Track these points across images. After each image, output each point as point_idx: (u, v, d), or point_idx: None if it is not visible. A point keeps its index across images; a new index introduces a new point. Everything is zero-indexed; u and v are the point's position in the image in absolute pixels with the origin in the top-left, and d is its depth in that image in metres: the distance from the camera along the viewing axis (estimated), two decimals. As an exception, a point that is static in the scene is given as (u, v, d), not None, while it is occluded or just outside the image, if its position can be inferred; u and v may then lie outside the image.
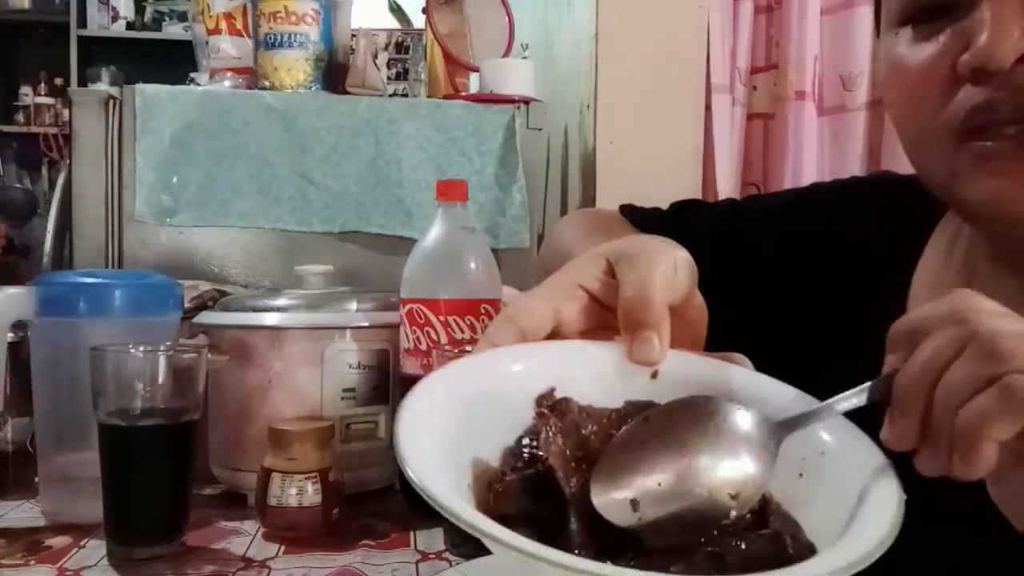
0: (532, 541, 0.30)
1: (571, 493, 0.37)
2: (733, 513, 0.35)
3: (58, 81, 3.74)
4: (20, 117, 3.73)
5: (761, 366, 0.43)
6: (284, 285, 1.19)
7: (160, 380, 0.69)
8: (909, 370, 0.35)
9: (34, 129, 3.65)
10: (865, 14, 1.38)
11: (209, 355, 0.75)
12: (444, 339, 0.79)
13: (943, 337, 0.35)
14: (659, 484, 0.36)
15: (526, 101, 1.34)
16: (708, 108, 1.44)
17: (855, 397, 0.37)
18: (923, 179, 0.53)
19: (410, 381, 0.80)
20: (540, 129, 1.36)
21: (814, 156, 1.42)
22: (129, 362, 0.69)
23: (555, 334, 0.44)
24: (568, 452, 0.38)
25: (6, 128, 3.69)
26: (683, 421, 0.38)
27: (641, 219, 0.77)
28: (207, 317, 0.89)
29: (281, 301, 0.86)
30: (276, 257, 1.28)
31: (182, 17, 3.57)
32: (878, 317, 0.52)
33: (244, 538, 0.74)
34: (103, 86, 3.03)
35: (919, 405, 0.35)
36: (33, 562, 0.68)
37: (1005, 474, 0.35)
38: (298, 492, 0.72)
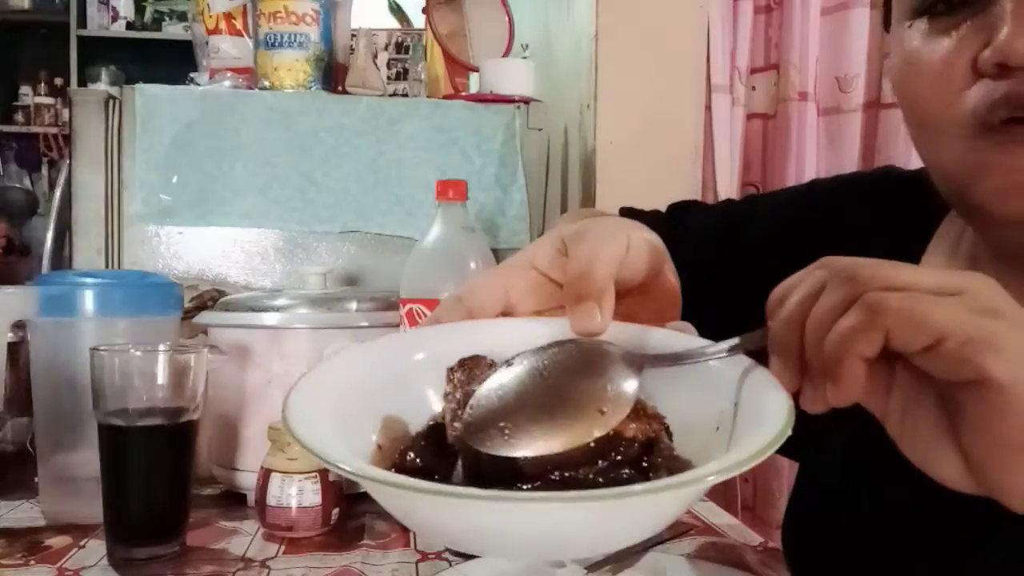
0: (389, 473, 0.32)
1: (453, 437, 0.38)
2: (600, 432, 0.35)
3: (58, 81, 3.74)
4: (20, 117, 3.73)
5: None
6: (284, 285, 1.19)
7: (160, 380, 0.69)
8: (781, 315, 0.37)
9: (34, 129, 3.65)
10: (861, 16, 1.38)
11: (209, 355, 0.75)
12: None
13: (807, 283, 0.36)
14: (528, 408, 0.37)
15: (526, 101, 1.34)
16: (708, 108, 1.44)
17: (727, 346, 0.39)
18: (932, 174, 0.53)
19: None
20: (540, 129, 1.36)
21: (814, 157, 1.42)
22: (129, 362, 0.69)
23: (507, 312, 0.44)
24: (460, 401, 0.39)
25: (6, 128, 3.69)
26: (550, 356, 0.39)
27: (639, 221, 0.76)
28: (207, 317, 0.89)
29: (281, 301, 0.86)
30: (276, 257, 1.28)
31: (182, 17, 3.57)
32: None
33: (244, 538, 0.74)
34: (103, 86, 3.03)
35: (793, 345, 0.36)
36: (33, 562, 0.68)
37: (904, 414, 0.36)
38: (298, 492, 0.72)
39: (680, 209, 0.78)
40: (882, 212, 0.63)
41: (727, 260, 0.68)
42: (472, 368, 0.41)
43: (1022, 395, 0.32)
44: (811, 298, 0.36)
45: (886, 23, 0.55)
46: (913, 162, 1.44)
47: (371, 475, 0.33)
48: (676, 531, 0.77)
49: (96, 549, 0.71)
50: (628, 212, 0.79)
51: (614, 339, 0.41)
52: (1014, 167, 0.45)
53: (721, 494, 1.45)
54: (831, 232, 0.64)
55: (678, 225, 0.72)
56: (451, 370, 0.41)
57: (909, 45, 0.50)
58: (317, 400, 0.39)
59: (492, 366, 0.41)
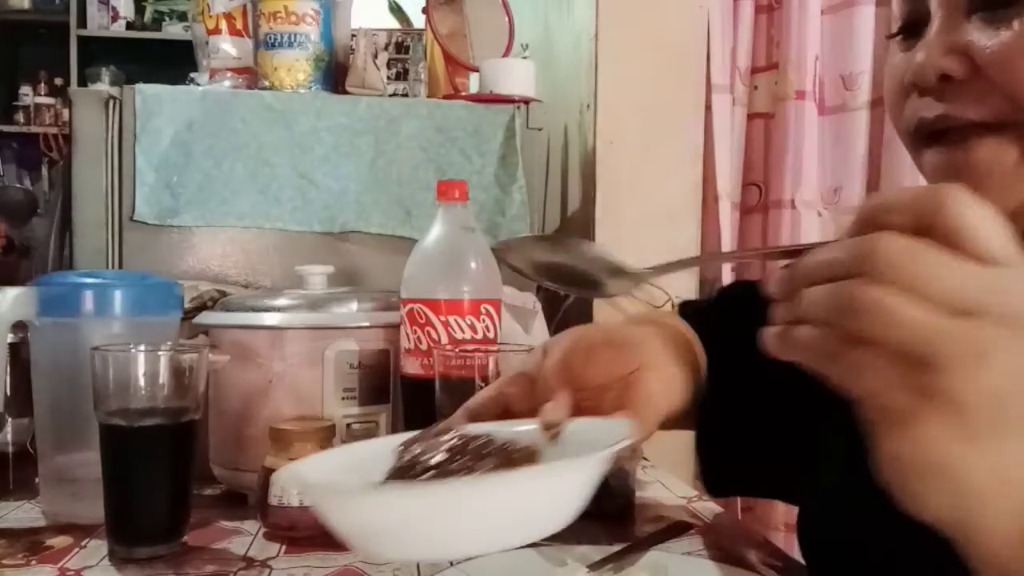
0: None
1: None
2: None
3: (58, 81, 3.74)
4: (20, 117, 3.73)
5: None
6: (284, 285, 1.19)
7: (160, 380, 0.69)
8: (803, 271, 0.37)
9: (34, 129, 3.65)
10: (866, 14, 1.38)
11: (209, 355, 0.75)
12: (444, 339, 0.79)
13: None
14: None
15: (526, 101, 1.34)
16: (708, 108, 1.44)
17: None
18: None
19: (411, 381, 0.81)
20: (540, 129, 1.36)
21: (815, 156, 1.42)
22: (130, 362, 0.69)
23: (507, 415, 0.53)
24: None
25: (6, 128, 3.69)
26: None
27: (688, 314, 0.74)
28: (207, 317, 0.89)
29: (281, 301, 0.86)
30: (276, 257, 1.28)
31: (182, 17, 3.57)
32: None
33: (245, 538, 0.74)
34: (103, 86, 3.03)
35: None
36: (34, 562, 0.68)
37: (879, 440, 0.35)
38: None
39: (728, 287, 0.80)
40: None
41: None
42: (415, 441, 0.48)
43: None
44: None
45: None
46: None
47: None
48: (677, 530, 0.77)
49: (97, 549, 0.71)
50: (686, 304, 0.79)
51: (572, 431, 0.50)
52: (943, 168, 0.51)
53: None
54: None
55: (726, 300, 0.76)
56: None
57: (889, 60, 0.56)
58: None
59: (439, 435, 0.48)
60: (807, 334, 0.35)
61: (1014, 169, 0.48)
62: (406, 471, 0.45)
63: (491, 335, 0.80)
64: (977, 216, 0.34)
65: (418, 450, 0.47)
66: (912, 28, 0.53)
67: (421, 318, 0.80)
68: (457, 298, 0.80)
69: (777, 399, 0.66)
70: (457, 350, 0.74)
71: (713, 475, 0.73)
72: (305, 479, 0.45)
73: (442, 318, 0.79)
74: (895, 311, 0.33)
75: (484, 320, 0.80)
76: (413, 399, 0.83)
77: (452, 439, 0.47)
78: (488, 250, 0.83)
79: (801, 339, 0.36)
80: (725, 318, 0.70)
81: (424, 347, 0.79)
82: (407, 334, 0.81)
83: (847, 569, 0.58)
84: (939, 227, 0.34)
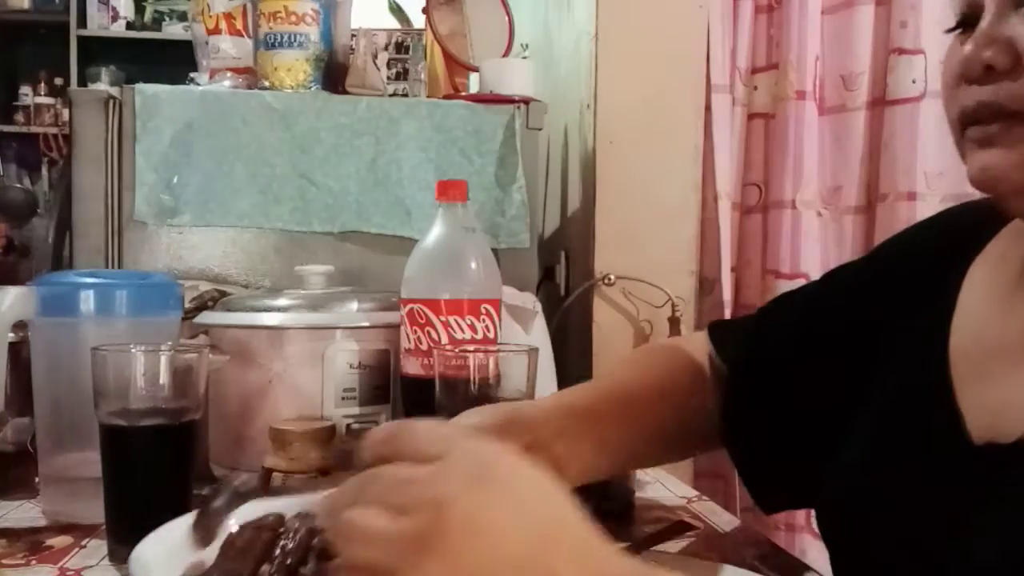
0: None
1: None
2: None
3: (58, 81, 3.74)
4: (20, 117, 3.73)
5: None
6: (284, 285, 1.19)
7: (161, 380, 0.69)
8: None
9: (34, 129, 3.65)
10: (866, 13, 1.38)
11: (210, 355, 0.75)
12: (445, 339, 0.79)
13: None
14: None
15: (526, 101, 1.34)
16: (708, 108, 1.44)
17: None
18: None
19: (411, 381, 0.81)
20: (540, 129, 1.36)
21: (815, 156, 1.42)
22: (130, 362, 0.69)
23: None
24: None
25: (6, 128, 3.69)
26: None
27: (724, 336, 0.75)
28: (208, 317, 0.89)
29: (281, 301, 0.86)
30: (276, 257, 1.28)
31: (182, 17, 3.57)
32: (924, 326, 0.60)
33: (244, 538, 0.74)
34: (103, 86, 3.02)
35: None
36: (34, 562, 0.68)
37: None
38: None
39: (767, 310, 0.78)
40: (936, 239, 0.67)
41: (816, 349, 0.69)
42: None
43: None
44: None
45: None
46: (917, 157, 1.43)
47: None
48: (677, 531, 0.77)
49: (97, 549, 0.71)
50: (715, 327, 0.77)
51: None
52: (978, 162, 0.52)
53: (721, 494, 1.45)
54: (895, 276, 0.67)
55: (765, 327, 0.74)
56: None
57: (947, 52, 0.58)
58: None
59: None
60: None
61: None
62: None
63: (491, 335, 0.80)
64: (408, 434, 0.41)
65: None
66: (969, 21, 0.54)
67: (421, 318, 0.80)
68: (457, 298, 0.80)
69: (813, 397, 0.66)
70: (457, 350, 0.75)
71: (762, 492, 0.72)
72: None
73: (442, 318, 0.79)
74: (355, 530, 0.39)
75: (484, 320, 0.80)
76: (413, 399, 0.83)
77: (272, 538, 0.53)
78: (488, 250, 0.83)
79: None
80: (765, 341, 0.71)
81: (424, 347, 0.80)
82: (407, 334, 0.81)
83: (869, 550, 0.57)
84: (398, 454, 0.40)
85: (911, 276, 0.65)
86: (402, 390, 0.85)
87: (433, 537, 0.36)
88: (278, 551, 0.54)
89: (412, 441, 0.40)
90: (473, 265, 0.81)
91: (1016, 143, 0.50)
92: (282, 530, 0.56)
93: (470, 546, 0.36)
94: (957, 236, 0.64)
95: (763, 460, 0.69)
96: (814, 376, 0.66)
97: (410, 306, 0.81)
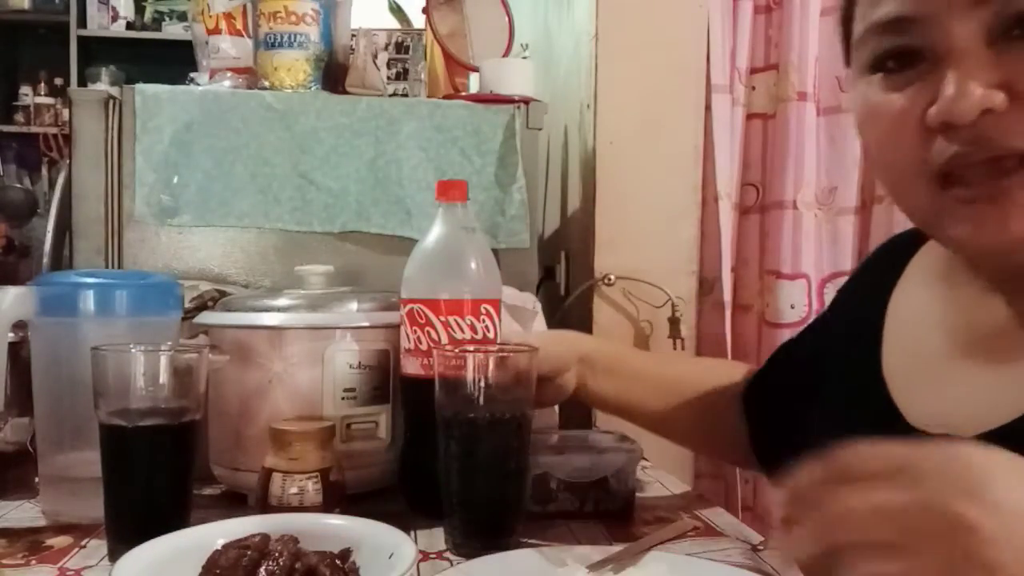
0: None
1: None
2: None
3: (58, 81, 3.74)
4: (20, 117, 3.73)
5: None
6: (284, 285, 1.19)
7: (161, 380, 0.69)
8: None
9: (34, 129, 3.65)
10: (864, 14, 1.38)
11: (210, 355, 0.75)
12: (444, 339, 0.79)
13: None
14: None
15: (526, 101, 1.34)
16: (708, 108, 1.44)
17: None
18: (905, 214, 0.58)
19: (411, 381, 0.80)
20: (540, 129, 1.36)
21: (815, 156, 1.42)
22: (130, 362, 0.69)
23: None
24: None
25: (6, 128, 3.69)
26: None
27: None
28: (207, 317, 0.89)
29: (281, 301, 0.86)
30: (276, 257, 1.28)
31: (182, 17, 3.57)
32: (858, 354, 0.64)
33: (244, 538, 0.74)
34: (103, 86, 3.02)
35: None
36: (34, 562, 0.68)
37: None
38: (299, 492, 0.72)
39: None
40: (876, 264, 0.71)
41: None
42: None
43: None
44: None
45: (846, 58, 0.60)
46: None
47: None
48: (677, 531, 0.77)
49: (97, 549, 0.71)
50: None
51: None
52: (971, 217, 0.50)
53: (722, 494, 1.45)
54: (844, 303, 0.74)
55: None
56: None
57: (870, 98, 0.54)
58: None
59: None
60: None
61: None
62: None
63: (491, 335, 0.80)
64: (848, 460, 0.39)
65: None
66: (903, 61, 0.51)
67: (421, 318, 0.80)
68: (457, 298, 0.80)
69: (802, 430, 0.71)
70: (457, 350, 0.75)
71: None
72: None
73: (442, 318, 0.79)
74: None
75: (484, 320, 0.80)
76: (413, 399, 0.83)
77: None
78: (488, 250, 0.83)
79: None
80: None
81: (424, 347, 0.79)
82: (407, 334, 0.81)
83: None
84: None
85: (850, 311, 0.70)
86: (402, 390, 0.85)
87: (969, 561, 0.34)
88: (262, 572, 0.54)
89: (858, 465, 0.38)
90: (473, 265, 0.81)
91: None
92: (267, 551, 0.56)
93: (1012, 548, 0.34)
94: (883, 267, 0.68)
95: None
96: (803, 412, 0.71)
97: (410, 306, 0.81)
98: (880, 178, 0.58)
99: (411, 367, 0.81)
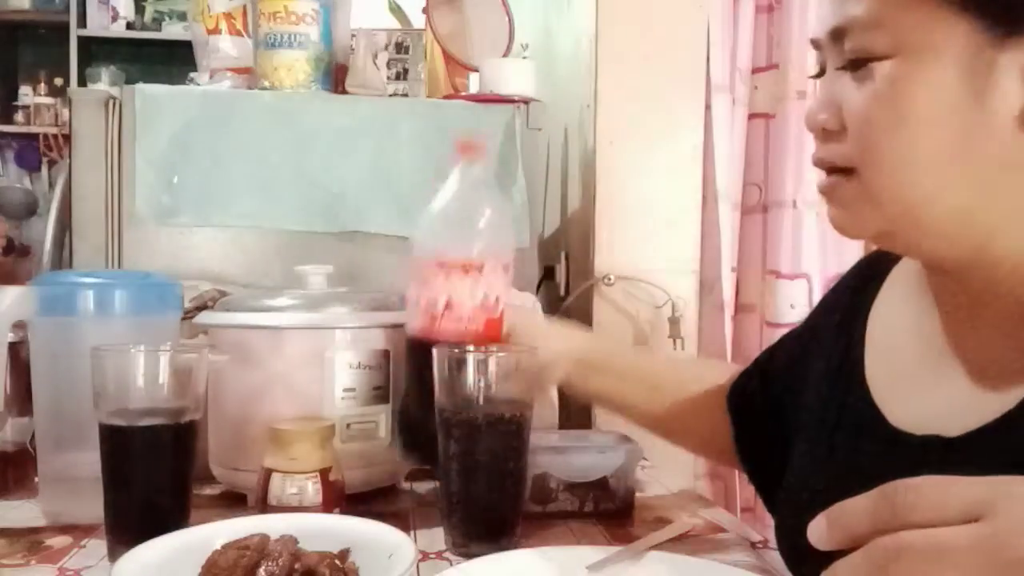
0: None
1: None
2: None
3: (58, 81, 3.74)
4: (20, 117, 3.73)
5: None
6: (284, 285, 1.19)
7: (160, 380, 0.69)
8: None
9: (34, 129, 3.64)
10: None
11: (209, 355, 0.75)
12: (456, 298, 0.76)
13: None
14: None
15: (526, 101, 1.34)
16: (708, 108, 1.44)
17: None
18: None
19: (418, 343, 0.78)
20: (540, 129, 1.36)
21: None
22: (130, 362, 0.69)
23: None
24: None
25: (6, 128, 3.68)
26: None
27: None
28: (207, 317, 0.89)
29: (281, 301, 0.86)
30: (276, 257, 1.28)
31: (182, 17, 3.57)
32: (846, 342, 0.67)
33: (244, 538, 0.74)
34: (103, 86, 3.02)
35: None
36: (33, 562, 0.68)
37: None
38: (298, 492, 0.72)
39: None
40: (855, 278, 0.73)
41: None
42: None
43: None
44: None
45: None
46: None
47: None
48: (677, 531, 0.77)
49: (97, 549, 0.71)
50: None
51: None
52: (832, 214, 0.58)
53: (722, 495, 1.45)
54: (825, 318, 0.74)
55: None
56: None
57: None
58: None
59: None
60: None
61: (855, 203, 0.56)
62: None
63: (499, 296, 0.78)
64: (922, 491, 0.37)
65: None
66: (824, 71, 0.59)
67: (431, 276, 0.77)
68: (468, 257, 0.76)
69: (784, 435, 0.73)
70: (469, 309, 0.75)
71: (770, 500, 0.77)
72: None
73: (453, 276, 0.76)
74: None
75: (491, 280, 0.77)
76: (416, 360, 0.80)
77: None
78: (503, 211, 0.81)
79: None
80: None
81: (434, 307, 0.77)
82: (417, 293, 0.78)
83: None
84: (901, 519, 0.37)
85: (834, 316, 0.71)
86: (406, 350, 0.82)
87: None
88: (262, 572, 0.54)
89: (921, 500, 0.37)
90: (485, 224, 0.78)
91: (848, 202, 0.56)
92: (266, 552, 0.56)
93: None
94: (866, 276, 0.70)
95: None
96: (786, 414, 0.73)
97: (421, 263, 0.78)
98: None
99: (416, 326, 0.79)
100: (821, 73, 0.60)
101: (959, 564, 0.35)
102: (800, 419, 0.69)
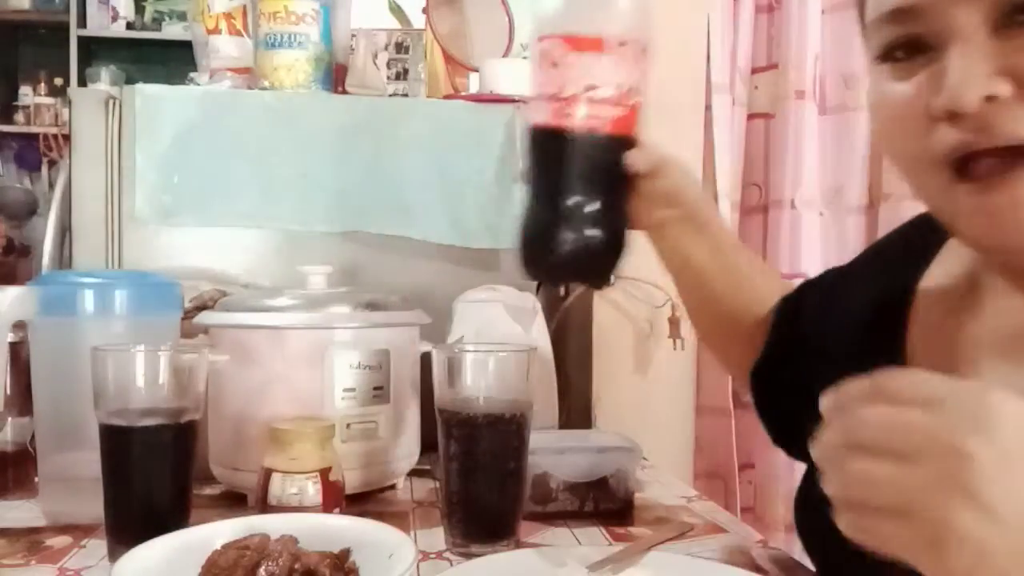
0: None
1: None
2: None
3: (58, 81, 3.74)
4: (20, 117, 3.73)
5: None
6: (284, 285, 1.19)
7: (160, 380, 0.69)
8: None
9: (34, 129, 3.64)
10: (865, 14, 1.38)
11: (209, 355, 0.75)
12: (589, 81, 0.67)
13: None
14: None
15: (526, 101, 1.34)
16: (708, 108, 1.44)
17: None
18: (923, 203, 0.56)
19: (541, 132, 0.68)
20: (540, 129, 1.36)
21: (815, 156, 1.42)
22: (130, 362, 0.69)
23: None
24: None
25: (6, 128, 3.68)
26: None
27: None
28: (208, 317, 0.89)
29: (281, 301, 0.86)
30: (276, 257, 1.28)
31: (182, 17, 3.57)
32: (888, 309, 0.62)
33: (244, 538, 0.74)
34: (103, 86, 3.02)
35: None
36: (33, 562, 0.68)
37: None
38: (298, 492, 0.72)
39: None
40: (899, 249, 0.69)
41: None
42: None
43: None
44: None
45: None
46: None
47: None
48: (677, 531, 0.77)
49: (97, 549, 0.71)
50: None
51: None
52: (981, 211, 0.49)
53: (721, 494, 1.45)
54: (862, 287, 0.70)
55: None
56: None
57: (880, 86, 0.54)
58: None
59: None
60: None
61: None
62: None
63: (638, 87, 0.70)
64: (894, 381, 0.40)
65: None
66: (909, 51, 0.51)
67: (556, 56, 0.66)
68: (602, 34, 0.67)
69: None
70: (601, 97, 0.66)
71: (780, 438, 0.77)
72: None
73: (581, 56, 0.66)
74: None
75: (630, 65, 0.69)
76: (542, 155, 0.69)
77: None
78: None
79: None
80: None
81: (563, 93, 0.66)
82: (539, 76, 0.68)
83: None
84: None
85: (878, 278, 0.68)
86: (529, 145, 0.71)
87: (954, 481, 0.36)
88: (262, 572, 0.54)
89: (900, 385, 0.40)
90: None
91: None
92: (266, 552, 0.56)
93: (1001, 487, 0.36)
94: (919, 240, 0.66)
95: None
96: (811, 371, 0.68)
97: (544, 44, 0.66)
98: (896, 167, 0.57)
99: (542, 115, 0.68)
100: (898, 56, 0.52)
101: (904, 435, 0.38)
102: (830, 368, 0.67)
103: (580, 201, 0.67)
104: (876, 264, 0.70)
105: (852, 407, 0.41)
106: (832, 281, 0.76)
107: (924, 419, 0.38)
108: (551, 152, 0.66)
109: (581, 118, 0.65)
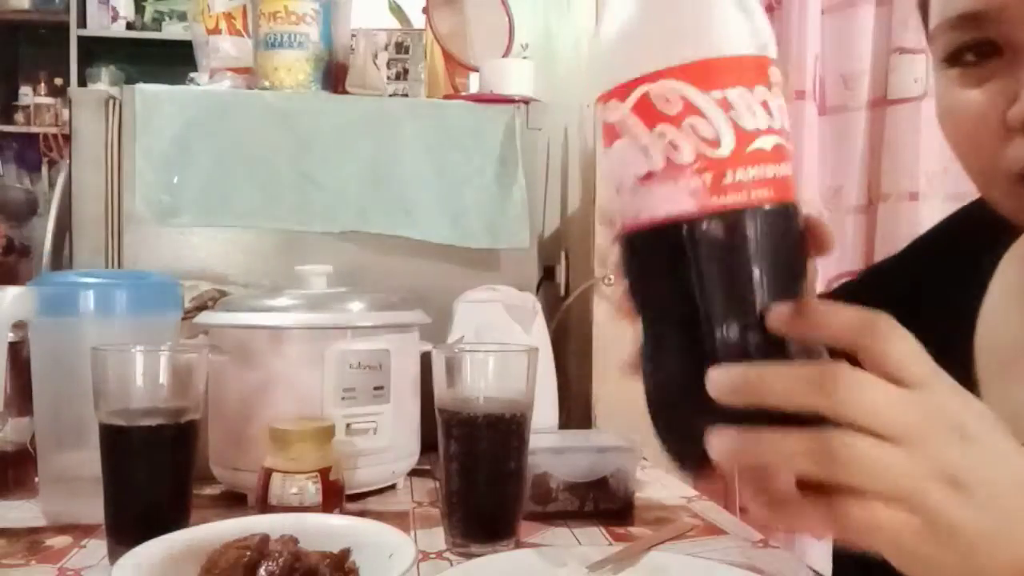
0: None
1: None
2: None
3: (58, 81, 3.74)
4: (20, 117, 3.73)
5: None
6: (284, 285, 1.19)
7: (161, 380, 0.69)
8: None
9: (34, 129, 3.64)
10: (867, 13, 1.38)
11: (209, 355, 0.75)
12: (724, 132, 0.39)
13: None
14: None
15: (526, 101, 1.34)
16: (708, 108, 1.44)
17: None
18: (995, 209, 0.54)
19: (661, 232, 0.39)
20: (540, 129, 1.36)
21: (815, 156, 1.42)
22: (130, 362, 0.69)
23: None
24: None
25: (6, 128, 3.68)
26: None
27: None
28: (208, 317, 0.89)
29: (281, 301, 0.86)
30: (276, 257, 1.28)
31: (182, 17, 3.57)
32: (949, 323, 0.58)
33: (244, 538, 0.74)
34: (103, 86, 3.03)
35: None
36: (34, 562, 0.68)
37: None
38: (298, 492, 0.73)
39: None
40: (962, 243, 0.65)
41: None
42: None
43: None
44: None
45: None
46: (919, 157, 1.43)
47: None
48: (677, 531, 0.77)
49: (97, 549, 0.71)
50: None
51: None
52: None
53: (721, 495, 1.45)
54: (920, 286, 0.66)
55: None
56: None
57: (947, 92, 0.51)
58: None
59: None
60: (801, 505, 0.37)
61: None
62: None
63: (782, 120, 0.42)
64: (903, 346, 0.37)
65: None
66: (980, 55, 0.48)
67: (667, 103, 0.38)
68: (735, 55, 0.39)
69: None
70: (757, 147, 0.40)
71: None
72: None
73: (711, 94, 0.38)
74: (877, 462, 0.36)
75: (774, 93, 0.41)
76: (695, 263, 0.39)
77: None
78: None
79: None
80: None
81: (685, 158, 0.38)
82: (638, 143, 0.40)
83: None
84: (870, 352, 0.36)
85: (944, 269, 0.64)
86: (631, 255, 0.46)
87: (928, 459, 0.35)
88: (262, 572, 0.54)
89: (889, 350, 0.36)
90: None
91: None
92: (266, 552, 0.56)
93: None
94: (980, 232, 0.61)
95: None
96: None
97: (639, 89, 0.39)
98: (968, 174, 0.54)
99: (663, 200, 0.39)
100: (969, 61, 0.49)
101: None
102: None
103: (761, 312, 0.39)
104: (941, 255, 0.66)
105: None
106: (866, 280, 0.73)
107: (904, 405, 0.36)
108: (711, 255, 0.39)
109: (748, 186, 0.40)
